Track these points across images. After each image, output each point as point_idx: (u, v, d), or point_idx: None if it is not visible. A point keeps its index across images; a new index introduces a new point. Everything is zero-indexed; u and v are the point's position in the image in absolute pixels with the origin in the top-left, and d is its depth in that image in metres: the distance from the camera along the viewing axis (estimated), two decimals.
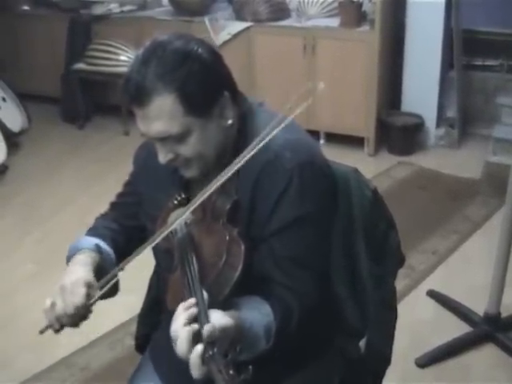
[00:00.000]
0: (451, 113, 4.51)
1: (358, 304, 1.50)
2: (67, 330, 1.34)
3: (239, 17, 4.60)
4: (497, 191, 3.45)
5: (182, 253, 1.24)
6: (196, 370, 1.04)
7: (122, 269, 1.29)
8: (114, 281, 1.30)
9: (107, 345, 2.67)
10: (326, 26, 4.34)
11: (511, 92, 4.22)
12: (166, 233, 1.23)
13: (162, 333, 1.11)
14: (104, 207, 1.59)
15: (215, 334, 1.05)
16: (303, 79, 4.41)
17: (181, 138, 1.23)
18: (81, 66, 4.95)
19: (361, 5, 4.28)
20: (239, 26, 4.53)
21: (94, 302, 1.30)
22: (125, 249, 1.44)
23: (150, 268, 1.56)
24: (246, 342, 1.15)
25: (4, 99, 4.81)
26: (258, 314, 1.21)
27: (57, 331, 1.32)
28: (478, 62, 4.62)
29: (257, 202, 1.28)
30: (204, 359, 1.03)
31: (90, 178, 4.21)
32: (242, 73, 4.49)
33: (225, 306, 1.15)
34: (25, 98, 5.01)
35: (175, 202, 1.35)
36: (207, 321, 1.06)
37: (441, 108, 4.50)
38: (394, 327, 1.54)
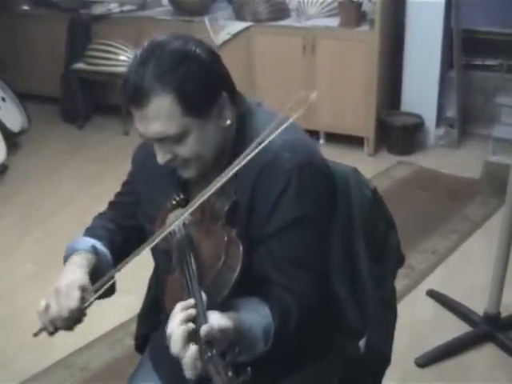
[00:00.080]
0: (451, 112, 4.51)
1: (358, 304, 1.50)
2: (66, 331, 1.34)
3: (239, 17, 4.60)
4: (496, 191, 3.45)
5: (180, 254, 1.24)
6: (189, 370, 1.04)
7: (118, 270, 1.29)
8: (110, 283, 1.30)
9: (107, 345, 2.67)
10: (325, 26, 4.34)
11: (511, 92, 4.21)
12: (164, 234, 1.23)
13: (162, 333, 1.11)
14: (104, 207, 1.60)
15: (213, 335, 1.05)
16: (303, 79, 4.42)
17: (179, 138, 1.23)
18: (80, 65, 4.95)
19: (360, 5, 4.28)
20: (239, 25, 4.53)
21: (89, 305, 1.29)
22: (122, 249, 1.44)
23: (149, 268, 1.56)
24: (245, 344, 1.15)
25: (4, 99, 4.80)
26: (257, 316, 1.21)
27: (51, 334, 1.31)
28: (478, 62, 4.62)
29: (256, 202, 1.28)
30: (202, 360, 1.03)
31: (89, 178, 4.21)
32: (242, 73, 4.49)
33: (223, 307, 1.15)
34: (24, 98, 5.01)
35: (173, 202, 1.35)
36: (205, 322, 1.06)
37: (440, 108, 4.50)
38: (393, 327, 1.54)
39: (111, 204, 1.58)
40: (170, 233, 1.26)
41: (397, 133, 4.41)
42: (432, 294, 2.87)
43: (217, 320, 1.08)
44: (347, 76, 4.30)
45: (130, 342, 2.36)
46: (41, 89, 5.38)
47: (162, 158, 1.27)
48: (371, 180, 1.50)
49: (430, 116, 4.45)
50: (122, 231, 1.51)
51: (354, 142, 4.46)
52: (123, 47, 4.74)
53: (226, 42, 4.55)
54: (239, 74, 4.42)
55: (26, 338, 1.35)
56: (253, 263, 1.27)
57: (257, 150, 1.15)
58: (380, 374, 1.57)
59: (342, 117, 4.42)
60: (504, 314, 2.56)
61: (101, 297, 1.32)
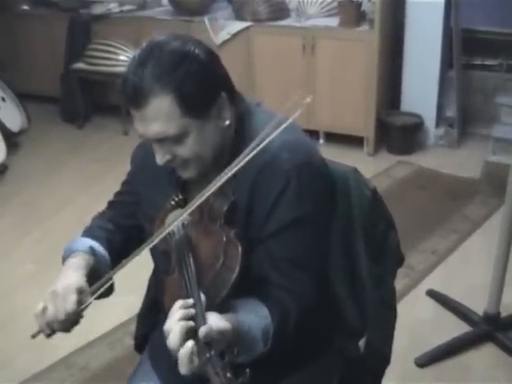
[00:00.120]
0: (451, 112, 4.51)
1: (358, 304, 1.50)
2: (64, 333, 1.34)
3: (239, 16, 4.60)
4: (496, 191, 3.45)
5: (179, 254, 1.24)
6: (184, 366, 1.04)
7: (117, 271, 1.28)
8: (108, 284, 1.30)
9: (106, 345, 2.67)
10: (325, 26, 4.34)
11: (510, 91, 4.22)
12: (163, 234, 1.22)
13: (161, 333, 1.11)
14: (104, 207, 1.59)
15: (211, 336, 1.04)
16: (303, 79, 4.42)
17: (178, 139, 1.23)
18: (80, 65, 4.94)
19: (360, 4, 4.28)
20: (239, 25, 4.53)
21: (85, 307, 1.29)
22: (121, 249, 1.44)
23: (149, 268, 1.56)
24: (244, 345, 1.15)
25: (3, 99, 4.80)
26: (256, 317, 1.21)
27: (48, 336, 1.31)
28: (478, 62, 4.61)
29: (254, 203, 1.28)
30: (201, 361, 1.03)
31: (89, 178, 4.21)
32: (242, 72, 4.49)
33: (222, 307, 1.15)
34: (24, 98, 5.01)
35: (173, 202, 1.35)
36: (204, 322, 1.06)
37: (440, 108, 4.50)
38: (393, 327, 1.54)
39: (110, 203, 1.58)
40: (169, 233, 1.26)
41: (397, 133, 4.41)
42: (432, 293, 2.87)
43: (215, 321, 1.08)
44: (347, 76, 4.30)
45: (129, 341, 2.36)
46: (41, 89, 5.37)
47: (161, 158, 1.27)
48: (371, 180, 1.50)
49: (429, 116, 4.45)
50: (120, 231, 1.51)
51: (354, 141, 4.46)
52: (123, 47, 4.74)
53: (225, 42, 4.55)
54: (239, 74, 4.44)
55: (25, 338, 1.35)
56: (251, 264, 1.26)
57: (255, 151, 1.15)
58: (380, 374, 1.57)
59: (342, 117, 4.42)
60: (504, 313, 2.56)
61: (99, 297, 1.32)
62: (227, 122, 1.28)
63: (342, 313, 1.50)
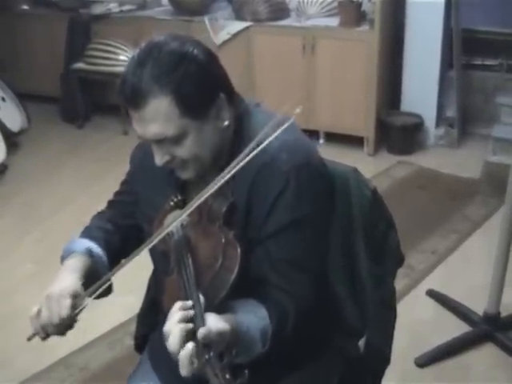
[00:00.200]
0: (451, 112, 4.51)
1: (358, 304, 1.50)
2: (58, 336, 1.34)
3: (239, 16, 4.60)
4: (496, 191, 3.45)
5: (178, 255, 1.23)
6: (184, 368, 1.04)
7: (115, 272, 1.29)
8: (106, 285, 1.30)
9: (106, 345, 2.67)
10: (325, 26, 4.34)
11: (511, 91, 4.22)
12: (162, 235, 1.22)
13: (160, 333, 1.11)
14: (103, 207, 1.59)
15: (210, 337, 1.04)
16: (303, 79, 4.42)
17: (177, 139, 1.23)
18: (80, 65, 4.94)
19: (360, 4, 4.28)
20: (239, 25, 4.53)
21: (80, 312, 1.30)
22: (119, 249, 1.45)
23: (149, 268, 1.56)
24: (242, 346, 1.15)
25: (3, 99, 4.80)
26: (254, 318, 1.21)
27: (43, 339, 1.32)
28: (478, 62, 4.61)
29: (253, 204, 1.28)
30: (200, 362, 1.03)
31: (89, 178, 4.21)
32: (242, 73, 4.49)
33: (221, 308, 1.15)
34: (24, 98, 5.01)
35: (171, 203, 1.35)
36: (203, 324, 1.06)
37: (440, 108, 4.50)
38: (393, 327, 1.54)
39: (110, 203, 1.58)
40: (167, 234, 1.26)
41: (397, 133, 4.41)
42: (432, 293, 2.87)
43: (214, 323, 1.08)
44: (347, 76, 4.30)
45: (129, 341, 2.36)
46: (41, 89, 5.37)
47: (160, 159, 1.27)
48: (371, 180, 1.50)
49: (429, 116, 4.45)
50: (119, 231, 1.51)
51: (354, 141, 4.46)
52: (123, 47, 4.74)
53: (225, 42, 4.55)
54: (239, 74, 4.45)
55: (25, 338, 1.36)
56: (250, 265, 1.26)
57: (254, 153, 1.15)
58: (380, 374, 1.57)
59: (342, 117, 4.42)
60: (504, 313, 2.56)
61: (98, 297, 1.32)
62: (226, 123, 1.28)
63: (341, 313, 1.50)
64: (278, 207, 1.27)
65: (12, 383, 2.46)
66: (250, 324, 1.18)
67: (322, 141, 4.57)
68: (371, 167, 4.09)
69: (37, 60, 5.34)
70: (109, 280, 1.31)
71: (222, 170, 1.19)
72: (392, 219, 1.48)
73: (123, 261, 1.31)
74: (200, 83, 1.21)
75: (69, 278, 1.33)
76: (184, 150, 1.25)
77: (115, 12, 5.03)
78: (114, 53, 4.75)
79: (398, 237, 1.49)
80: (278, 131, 1.14)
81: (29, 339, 1.34)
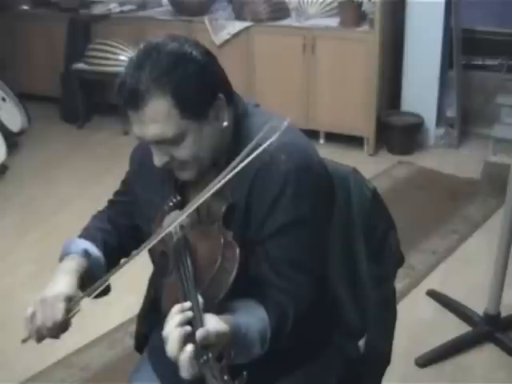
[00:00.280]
0: (451, 112, 4.51)
1: (358, 304, 1.50)
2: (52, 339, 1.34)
3: (239, 16, 4.60)
4: (496, 191, 3.45)
5: (177, 256, 1.23)
6: (185, 370, 1.04)
7: (114, 273, 1.29)
8: (103, 286, 1.30)
9: (107, 345, 2.67)
10: (325, 26, 4.34)
11: (511, 91, 4.21)
12: (161, 236, 1.22)
13: (160, 333, 1.11)
14: (103, 206, 1.59)
15: (209, 339, 1.05)
16: (303, 79, 4.42)
17: (176, 140, 1.22)
18: (80, 65, 4.95)
19: (360, 4, 4.28)
20: (239, 25, 4.53)
21: (73, 315, 1.31)
22: (118, 249, 1.46)
23: (149, 268, 1.56)
24: (241, 347, 1.15)
25: (4, 99, 4.81)
26: (253, 319, 1.20)
27: (38, 341, 1.33)
28: (478, 62, 4.61)
29: (252, 204, 1.28)
30: (198, 363, 1.03)
31: (89, 178, 4.21)
32: (242, 73, 4.49)
33: (220, 309, 1.15)
34: (24, 98, 5.01)
35: (170, 204, 1.35)
36: (202, 325, 1.06)
37: (440, 108, 4.50)
38: (393, 327, 1.54)
39: (110, 202, 1.59)
40: (167, 235, 1.26)
41: (397, 133, 4.41)
42: (432, 293, 2.87)
43: (213, 324, 1.08)
44: (347, 76, 4.30)
45: (129, 341, 2.36)
46: (41, 89, 5.38)
47: (159, 160, 1.27)
48: (371, 180, 1.50)
49: (429, 116, 4.45)
50: (118, 231, 1.51)
51: (354, 141, 4.46)
52: (123, 47, 4.74)
53: (225, 42, 4.55)
54: (239, 74, 4.46)
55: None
56: (249, 265, 1.26)
57: (251, 157, 1.14)
58: (380, 374, 1.57)
59: (342, 117, 4.42)
60: (504, 314, 2.56)
61: (96, 296, 1.33)
62: (225, 124, 1.28)
63: (341, 313, 1.50)
64: (277, 208, 1.26)
65: (12, 383, 2.46)
66: (248, 325, 1.18)
67: (321, 141, 4.57)
68: (371, 167, 4.09)
69: (37, 60, 5.34)
70: (107, 280, 1.31)
71: (221, 170, 1.19)
72: (392, 219, 1.48)
73: (123, 261, 1.31)
74: (199, 84, 1.21)
75: (64, 280, 1.33)
76: (183, 151, 1.25)
77: (115, 12, 5.03)
78: (114, 53, 4.75)
79: (398, 237, 1.49)
80: (269, 141, 1.13)
81: (23, 341, 1.35)
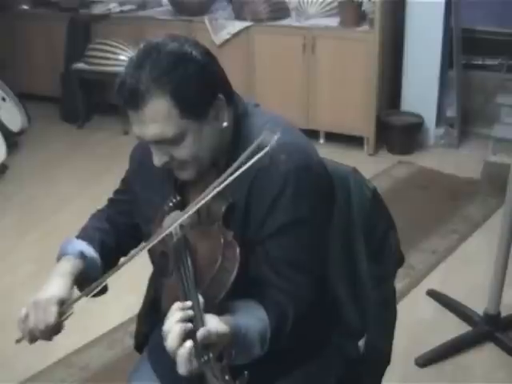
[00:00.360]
0: (451, 112, 4.51)
1: (358, 304, 1.50)
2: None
3: (239, 16, 4.60)
4: (496, 191, 3.44)
5: (177, 256, 1.23)
6: (182, 366, 1.04)
7: (114, 272, 1.29)
8: (101, 286, 1.31)
9: (106, 344, 2.67)
10: (325, 26, 4.34)
11: (511, 91, 4.21)
12: (161, 237, 1.22)
13: (160, 333, 1.11)
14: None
15: (210, 338, 1.05)
16: (303, 79, 4.42)
17: (176, 140, 1.22)
18: (80, 65, 4.94)
19: (360, 4, 4.28)
20: (239, 25, 4.53)
21: (66, 318, 1.32)
22: (116, 249, 1.47)
23: (149, 268, 1.56)
24: (241, 347, 1.15)
25: (4, 99, 4.81)
26: (253, 319, 1.21)
27: (31, 342, 1.34)
28: (478, 62, 4.61)
29: (252, 204, 1.28)
30: (199, 363, 1.03)
31: (89, 178, 4.21)
32: (242, 73, 4.49)
33: (220, 309, 1.15)
34: (24, 98, 5.02)
35: (170, 204, 1.35)
36: (202, 325, 1.06)
37: (440, 107, 4.50)
38: (393, 327, 1.54)
39: (110, 201, 1.59)
40: (166, 235, 1.26)
41: (397, 133, 4.41)
42: (432, 293, 2.87)
43: (214, 324, 1.08)
44: (347, 75, 4.30)
45: (129, 341, 2.36)
46: (41, 89, 5.38)
47: (158, 159, 1.27)
48: (371, 180, 1.50)
49: (429, 115, 4.45)
50: (117, 230, 1.52)
51: (354, 141, 4.46)
52: (123, 47, 4.73)
53: (225, 42, 4.55)
54: (239, 74, 4.45)
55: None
56: (250, 265, 1.26)
57: (250, 162, 1.15)
58: (380, 374, 1.57)
59: (342, 116, 4.42)
60: (504, 313, 2.56)
61: (94, 296, 1.33)
62: (225, 124, 1.28)
63: (341, 313, 1.50)
64: (276, 208, 1.26)
65: (12, 383, 2.46)
66: (248, 325, 1.18)
67: (321, 141, 4.57)
68: (371, 167, 4.08)
69: (37, 60, 5.34)
70: (105, 280, 1.31)
71: (220, 171, 1.18)
72: (392, 219, 1.48)
73: (122, 261, 1.31)
74: (199, 84, 1.21)
75: (57, 283, 1.34)
76: (183, 151, 1.24)
77: (115, 12, 5.03)
78: (114, 53, 4.75)
79: (398, 236, 1.49)
80: (264, 149, 1.14)
81: (17, 342, 1.37)
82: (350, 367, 1.49)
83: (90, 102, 5.15)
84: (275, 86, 4.51)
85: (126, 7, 5.05)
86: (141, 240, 1.50)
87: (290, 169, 1.26)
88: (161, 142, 1.23)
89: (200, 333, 1.04)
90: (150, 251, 1.34)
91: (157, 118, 1.19)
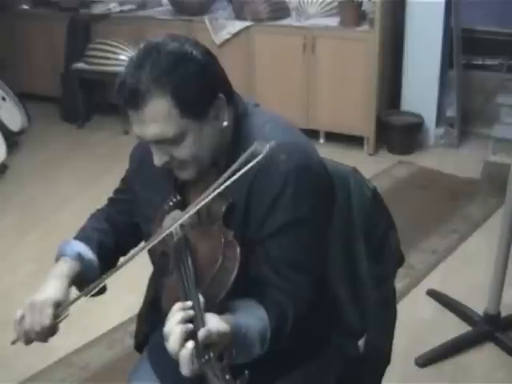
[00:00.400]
0: (451, 112, 4.51)
1: (358, 304, 1.50)
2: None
3: (239, 16, 4.60)
4: (496, 190, 3.44)
5: (177, 256, 1.23)
6: (185, 367, 1.04)
7: (114, 272, 1.29)
8: (98, 287, 1.31)
9: (106, 344, 2.67)
10: (325, 26, 4.34)
11: (511, 91, 4.21)
12: (161, 237, 1.22)
13: (160, 333, 1.11)
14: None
15: (211, 338, 1.05)
16: (303, 79, 4.42)
17: (176, 140, 1.22)
18: (80, 65, 4.94)
19: (360, 4, 4.28)
20: (239, 25, 4.53)
21: (61, 321, 1.32)
22: (115, 249, 1.48)
23: (149, 268, 1.56)
24: (241, 347, 1.15)
25: (4, 99, 4.81)
26: (253, 319, 1.21)
27: (26, 343, 1.35)
28: (478, 62, 4.61)
29: (252, 204, 1.28)
30: (199, 363, 1.03)
31: (89, 177, 4.21)
32: (242, 72, 4.49)
33: (220, 309, 1.15)
34: (24, 98, 5.02)
35: (170, 204, 1.35)
36: (203, 325, 1.06)
37: (440, 107, 4.50)
38: (393, 327, 1.54)
39: (110, 200, 1.60)
40: (167, 235, 1.26)
41: (397, 132, 4.41)
42: (432, 293, 2.87)
43: (214, 323, 1.08)
44: (347, 75, 4.30)
45: (129, 341, 2.36)
46: (41, 89, 5.38)
47: (158, 159, 1.27)
48: (371, 180, 1.50)
49: (429, 115, 4.45)
50: (116, 229, 1.52)
51: (354, 141, 4.46)
52: (123, 47, 4.73)
53: (225, 42, 4.55)
54: (239, 74, 4.45)
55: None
56: (250, 265, 1.26)
57: (249, 165, 1.15)
58: (380, 374, 1.57)
59: (342, 116, 4.42)
60: (504, 313, 2.56)
61: (93, 295, 1.34)
62: (225, 123, 1.28)
63: (341, 313, 1.50)
64: (276, 208, 1.26)
65: (12, 383, 2.46)
66: (248, 325, 1.18)
67: (321, 141, 4.57)
68: (371, 167, 4.08)
69: (37, 60, 5.34)
70: (104, 281, 1.32)
71: (220, 171, 1.18)
72: (392, 219, 1.48)
73: (122, 260, 1.31)
74: (199, 84, 1.21)
75: (53, 286, 1.35)
76: (183, 151, 1.24)
77: (115, 12, 5.03)
78: (114, 53, 4.75)
79: (398, 236, 1.49)
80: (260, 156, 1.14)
81: (12, 343, 1.38)
82: (350, 367, 1.49)
83: (90, 101, 5.15)
84: (275, 85, 4.51)
85: (126, 7, 5.05)
86: (140, 239, 1.50)
87: (290, 168, 1.26)
88: (161, 142, 1.23)
89: (201, 333, 1.04)
90: (150, 251, 1.34)
91: (157, 117, 1.19)
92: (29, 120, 4.91)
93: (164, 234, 1.23)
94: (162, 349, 1.09)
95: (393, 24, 4.41)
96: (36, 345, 1.38)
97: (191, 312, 1.09)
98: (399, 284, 2.79)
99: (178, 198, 1.36)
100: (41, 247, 3.37)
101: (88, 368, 2.54)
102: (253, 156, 1.15)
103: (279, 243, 1.28)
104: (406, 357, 2.45)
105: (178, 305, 1.10)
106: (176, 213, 1.31)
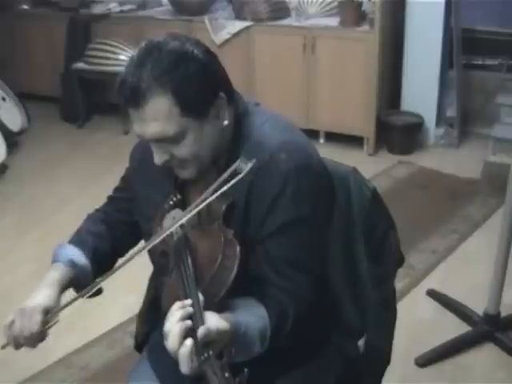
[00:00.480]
0: (451, 112, 4.51)
1: (358, 304, 1.50)
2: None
3: (239, 16, 4.60)
4: (496, 191, 3.45)
5: (177, 255, 1.24)
6: (185, 365, 1.04)
7: (114, 271, 1.29)
8: (95, 289, 1.32)
9: (106, 344, 2.66)
10: (325, 26, 4.34)
11: (511, 91, 4.21)
12: (161, 237, 1.22)
13: (160, 333, 1.11)
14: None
15: (210, 336, 1.05)
16: (303, 79, 4.42)
17: (176, 139, 1.22)
18: (80, 65, 4.94)
19: (360, 4, 4.28)
20: (239, 25, 4.53)
21: (50, 327, 1.33)
22: (112, 252, 1.48)
23: (149, 268, 1.56)
24: (241, 345, 1.15)
25: (4, 99, 4.81)
26: (253, 317, 1.21)
27: (16, 348, 1.36)
28: (478, 62, 4.61)
29: (252, 203, 1.28)
30: (199, 361, 1.03)
31: (89, 177, 4.21)
32: (242, 72, 4.49)
33: (220, 307, 1.16)
34: (24, 98, 5.01)
35: (170, 203, 1.35)
36: (203, 323, 1.06)
37: (440, 107, 4.50)
38: (393, 327, 1.54)
39: (109, 198, 1.60)
40: (167, 235, 1.26)
41: (397, 132, 4.41)
42: (432, 293, 2.86)
43: (214, 321, 1.08)
44: (347, 75, 4.30)
45: (129, 341, 2.36)
46: (41, 89, 5.38)
47: (159, 158, 1.27)
48: (371, 180, 1.50)
49: (429, 115, 4.45)
50: (113, 230, 1.52)
51: (354, 141, 4.46)
52: (123, 47, 4.74)
53: (225, 42, 4.55)
54: (239, 74, 4.45)
55: None
56: (250, 264, 1.26)
57: (248, 168, 1.15)
58: (380, 374, 1.57)
59: (342, 116, 4.42)
60: (504, 313, 2.56)
61: (90, 296, 1.35)
62: (226, 122, 1.28)
63: (341, 313, 1.50)
64: (277, 207, 1.26)
65: (12, 383, 2.46)
66: (248, 323, 1.18)
67: (321, 141, 4.57)
68: (371, 167, 4.08)
69: (37, 60, 5.34)
70: (99, 284, 1.32)
71: (220, 170, 1.18)
72: (392, 219, 1.48)
73: (121, 261, 1.31)
74: (200, 82, 1.21)
75: (44, 292, 1.36)
76: (183, 150, 1.25)
77: (115, 12, 5.03)
78: (114, 53, 4.75)
79: (398, 236, 1.49)
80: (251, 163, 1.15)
81: (2, 347, 1.39)
82: (350, 367, 1.49)
83: (90, 101, 5.14)
84: (275, 85, 4.51)
85: (126, 7, 5.05)
86: (139, 238, 1.50)
87: (290, 168, 1.26)
88: (161, 141, 1.23)
89: (200, 331, 1.04)
90: (150, 251, 1.34)
91: (158, 116, 1.19)
92: (29, 120, 4.91)
93: (165, 234, 1.23)
94: (162, 348, 1.10)
95: (393, 24, 4.41)
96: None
97: (190, 309, 1.09)
98: (399, 284, 2.79)
99: (179, 196, 1.36)
100: (41, 247, 3.37)
101: (88, 368, 2.54)
102: (236, 173, 1.16)
103: (279, 242, 1.28)
104: (405, 357, 2.45)
105: (177, 304, 1.11)
106: (176, 212, 1.31)
